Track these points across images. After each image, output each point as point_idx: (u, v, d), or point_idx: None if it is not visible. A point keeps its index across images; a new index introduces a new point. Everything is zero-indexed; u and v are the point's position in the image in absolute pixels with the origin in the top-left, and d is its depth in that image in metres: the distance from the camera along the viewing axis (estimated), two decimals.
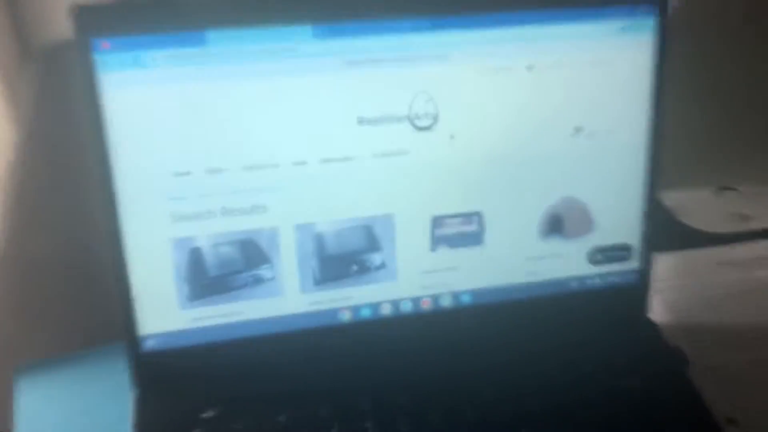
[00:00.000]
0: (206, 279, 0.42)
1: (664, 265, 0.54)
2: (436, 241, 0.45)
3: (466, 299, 0.47)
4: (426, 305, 0.46)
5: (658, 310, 0.51)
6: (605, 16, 0.44)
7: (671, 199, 0.62)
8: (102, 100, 0.39)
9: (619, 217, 0.47)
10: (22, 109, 0.58)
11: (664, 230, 0.59)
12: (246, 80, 0.40)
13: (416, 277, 0.45)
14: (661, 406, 0.44)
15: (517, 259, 0.47)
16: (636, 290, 0.49)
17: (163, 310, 0.42)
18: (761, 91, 0.68)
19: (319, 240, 0.43)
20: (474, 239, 0.46)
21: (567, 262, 0.47)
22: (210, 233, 0.42)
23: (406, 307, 0.46)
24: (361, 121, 0.42)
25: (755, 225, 0.60)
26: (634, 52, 0.45)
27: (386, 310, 0.46)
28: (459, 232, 0.45)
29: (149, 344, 0.43)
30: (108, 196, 0.40)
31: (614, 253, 0.48)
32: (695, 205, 0.62)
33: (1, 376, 0.46)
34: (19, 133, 0.59)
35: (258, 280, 0.43)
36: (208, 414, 0.42)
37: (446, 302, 0.46)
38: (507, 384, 0.44)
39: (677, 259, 0.56)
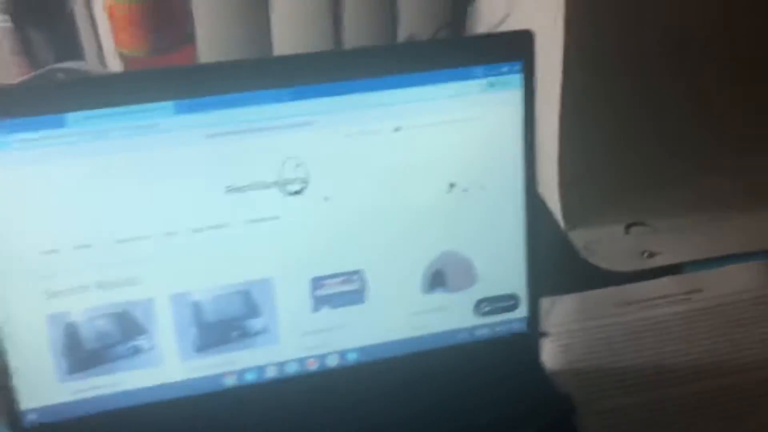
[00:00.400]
0: (83, 352, 0.43)
1: (561, 308, 0.55)
2: (318, 302, 0.45)
3: (352, 357, 0.47)
4: (312, 365, 0.47)
5: (551, 356, 0.52)
6: (470, 75, 0.45)
7: (580, 238, 0.63)
8: None
9: (502, 267, 0.48)
10: None
11: (568, 271, 0.60)
12: (109, 157, 0.41)
13: (299, 338, 0.46)
14: None
15: (402, 315, 0.47)
16: (525, 338, 0.49)
17: (42, 385, 0.43)
18: (667, 124, 0.69)
19: (197, 308, 0.44)
20: (356, 298, 0.46)
21: (453, 315, 0.48)
22: (84, 307, 0.42)
23: (292, 369, 0.46)
24: (229, 189, 0.43)
25: (661, 261, 0.61)
26: (503, 107, 0.45)
27: (271, 372, 0.46)
28: (340, 291, 0.46)
29: (31, 418, 0.43)
30: None
31: (500, 303, 0.49)
32: (603, 243, 0.62)
33: None
34: None
35: (136, 351, 0.43)
36: None
37: (332, 361, 0.47)
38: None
39: (575, 301, 0.56)
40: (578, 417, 0.47)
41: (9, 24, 0.69)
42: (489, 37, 0.48)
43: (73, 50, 0.73)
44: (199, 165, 0.42)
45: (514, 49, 0.45)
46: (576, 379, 0.51)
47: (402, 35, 0.72)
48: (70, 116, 0.40)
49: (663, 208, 0.65)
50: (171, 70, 0.49)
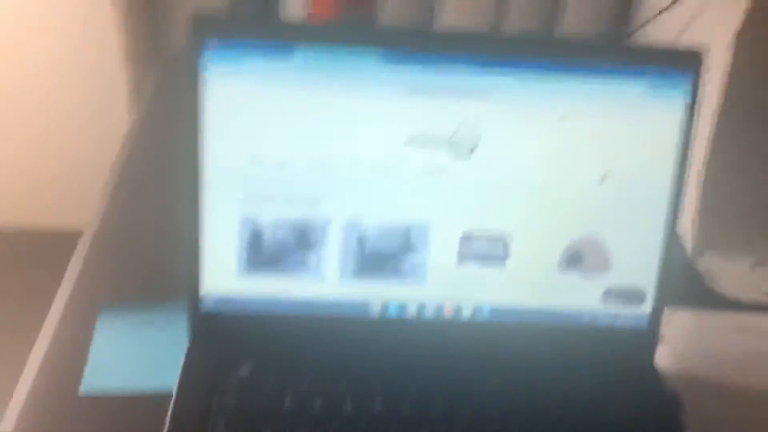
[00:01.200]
0: (262, 255, 0.50)
1: (682, 319, 0.58)
2: (463, 255, 0.51)
3: (483, 314, 0.52)
4: (448, 313, 0.52)
5: (664, 359, 0.55)
6: (643, 75, 0.50)
7: (706, 262, 0.65)
8: (201, 92, 0.48)
9: (636, 262, 0.52)
10: (142, 104, 0.69)
11: (691, 290, 0.63)
12: (321, 92, 0.48)
13: (442, 285, 0.52)
14: None
15: (535, 285, 0.52)
16: (644, 335, 0.53)
17: (222, 276, 0.50)
18: None
19: (362, 236, 0.50)
20: (498, 260, 0.51)
21: (581, 297, 0.52)
22: (272, 216, 0.50)
23: (430, 312, 0.52)
24: (410, 139, 0.49)
25: None
26: (665, 113, 0.50)
27: (412, 311, 0.52)
28: (484, 251, 0.51)
29: (207, 304, 0.51)
30: (194, 172, 0.49)
31: (627, 296, 0.52)
32: (726, 275, 0.65)
33: (91, 312, 0.55)
34: (135, 123, 0.70)
35: (305, 264, 0.50)
36: (244, 369, 0.49)
37: (466, 313, 0.52)
38: (504, 403, 0.49)
39: (697, 316, 0.59)
40: (687, 416, 0.50)
41: None
42: (665, 47, 0.52)
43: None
44: (391, 113, 0.49)
45: (685, 63, 0.49)
46: (685, 384, 0.53)
47: (565, 26, 0.77)
48: (299, 48, 0.48)
49: None
50: (386, 28, 0.56)
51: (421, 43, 0.48)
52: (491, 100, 0.49)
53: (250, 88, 0.48)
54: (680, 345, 0.56)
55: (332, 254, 0.50)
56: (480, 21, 0.79)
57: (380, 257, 0.51)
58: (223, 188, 0.49)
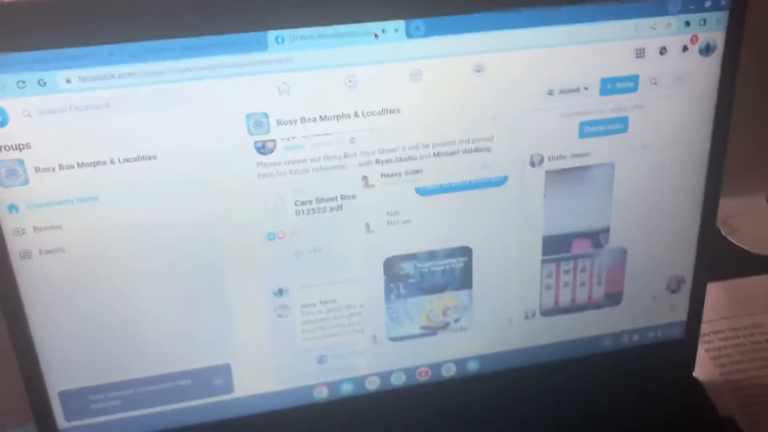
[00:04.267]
0: None
1: (709, 299, 0.45)
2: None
3: (476, 365, 0.38)
4: (425, 376, 0.38)
5: (702, 364, 0.42)
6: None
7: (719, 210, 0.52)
8: None
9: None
10: None
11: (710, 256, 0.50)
12: None
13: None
14: None
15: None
16: (680, 346, 0.40)
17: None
18: None
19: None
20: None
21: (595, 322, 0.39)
22: None
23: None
24: None
25: None
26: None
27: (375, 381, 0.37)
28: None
29: None
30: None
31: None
32: (743, 217, 0.52)
33: None
34: None
35: None
36: None
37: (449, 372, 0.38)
38: None
39: (722, 291, 0.46)
40: None
41: None
42: None
43: None
44: None
45: None
46: (735, 396, 0.41)
47: None
48: None
49: None
50: None
51: None
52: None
53: None
54: (716, 339, 0.44)
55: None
56: None
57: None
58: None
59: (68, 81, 0.28)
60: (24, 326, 0.31)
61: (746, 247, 0.50)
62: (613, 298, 0.38)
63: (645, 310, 0.38)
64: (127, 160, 0.29)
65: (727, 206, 0.52)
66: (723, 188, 0.54)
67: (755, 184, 0.55)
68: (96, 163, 0.29)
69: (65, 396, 0.33)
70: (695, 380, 0.41)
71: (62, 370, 0.32)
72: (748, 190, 0.54)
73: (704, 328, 0.44)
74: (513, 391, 0.38)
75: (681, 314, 0.39)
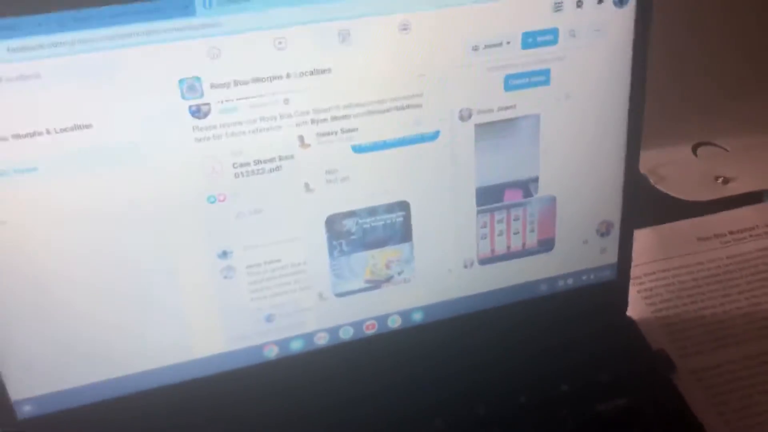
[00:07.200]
0: None
1: (639, 244, 0.48)
2: None
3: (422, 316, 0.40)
4: (372, 329, 0.39)
5: (635, 304, 0.45)
6: None
7: (647, 161, 0.55)
8: None
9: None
10: None
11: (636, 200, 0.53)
12: None
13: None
14: (647, 429, 0.38)
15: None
16: (612, 287, 0.42)
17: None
18: (742, 33, 0.60)
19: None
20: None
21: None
22: None
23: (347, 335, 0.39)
24: None
25: (738, 188, 0.54)
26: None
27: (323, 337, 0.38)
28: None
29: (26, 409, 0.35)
30: None
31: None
32: (669, 166, 0.55)
33: None
34: None
35: None
36: None
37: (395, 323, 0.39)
38: (468, 411, 0.38)
39: (651, 235, 0.49)
40: (679, 376, 0.41)
41: None
42: None
43: None
44: None
45: None
46: (666, 331, 0.44)
47: None
48: None
49: (735, 126, 0.58)
50: None
51: None
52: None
53: None
54: (647, 280, 0.46)
55: None
56: None
57: None
58: None
59: None
60: None
61: (673, 194, 0.53)
62: (546, 244, 0.40)
63: (577, 254, 0.41)
64: (63, 130, 0.30)
65: (655, 156, 0.55)
66: (650, 139, 0.56)
67: (681, 135, 0.57)
68: (32, 134, 0.30)
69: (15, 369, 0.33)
70: (629, 318, 0.43)
71: (9, 343, 0.33)
72: (674, 140, 0.57)
73: (636, 271, 0.47)
74: (457, 338, 0.40)
75: (612, 257, 0.42)
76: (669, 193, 0.53)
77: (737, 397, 0.41)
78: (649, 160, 0.55)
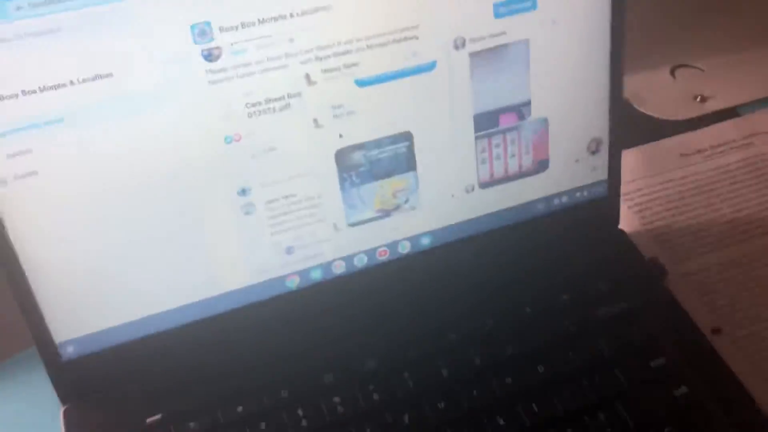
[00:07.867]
0: None
1: (625, 163, 0.50)
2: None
3: (424, 242, 0.42)
4: (384, 255, 0.42)
5: (626, 219, 0.48)
6: None
7: (625, 86, 0.57)
8: None
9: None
10: None
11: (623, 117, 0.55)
12: None
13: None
14: (644, 328, 0.41)
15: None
16: (604, 203, 0.45)
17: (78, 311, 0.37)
18: None
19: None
20: None
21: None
22: None
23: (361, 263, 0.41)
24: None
25: (715, 105, 0.56)
26: None
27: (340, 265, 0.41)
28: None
29: (68, 351, 0.37)
30: None
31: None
32: (650, 89, 0.57)
33: None
34: None
35: None
36: (154, 418, 0.37)
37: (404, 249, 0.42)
38: (479, 324, 0.41)
39: (637, 155, 0.52)
40: (670, 280, 0.44)
41: None
42: None
43: None
44: None
45: None
46: (656, 241, 0.47)
47: None
48: None
49: (709, 47, 0.60)
50: None
51: None
52: None
53: None
54: (636, 196, 0.49)
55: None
56: None
57: None
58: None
59: (19, 8, 0.30)
60: (10, 251, 0.34)
61: (655, 115, 0.56)
62: (541, 165, 0.42)
63: (570, 173, 0.43)
64: (85, 80, 0.31)
65: (636, 81, 0.57)
66: (631, 65, 0.59)
67: (659, 59, 0.60)
68: (57, 86, 0.31)
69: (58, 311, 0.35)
70: (621, 231, 0.46)
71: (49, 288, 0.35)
72: (654, 63, 0.59)
73: (626, 188, 0.50)
74: (463, 259, 0.43)
75: (602, 174, 0.44)
76: (651, 114, 0.56)
77: (724, 295, 0.44)
78: (630, 85, 0.57)
